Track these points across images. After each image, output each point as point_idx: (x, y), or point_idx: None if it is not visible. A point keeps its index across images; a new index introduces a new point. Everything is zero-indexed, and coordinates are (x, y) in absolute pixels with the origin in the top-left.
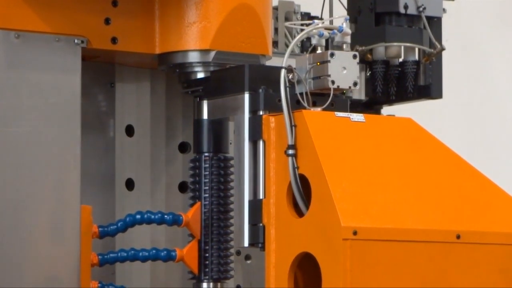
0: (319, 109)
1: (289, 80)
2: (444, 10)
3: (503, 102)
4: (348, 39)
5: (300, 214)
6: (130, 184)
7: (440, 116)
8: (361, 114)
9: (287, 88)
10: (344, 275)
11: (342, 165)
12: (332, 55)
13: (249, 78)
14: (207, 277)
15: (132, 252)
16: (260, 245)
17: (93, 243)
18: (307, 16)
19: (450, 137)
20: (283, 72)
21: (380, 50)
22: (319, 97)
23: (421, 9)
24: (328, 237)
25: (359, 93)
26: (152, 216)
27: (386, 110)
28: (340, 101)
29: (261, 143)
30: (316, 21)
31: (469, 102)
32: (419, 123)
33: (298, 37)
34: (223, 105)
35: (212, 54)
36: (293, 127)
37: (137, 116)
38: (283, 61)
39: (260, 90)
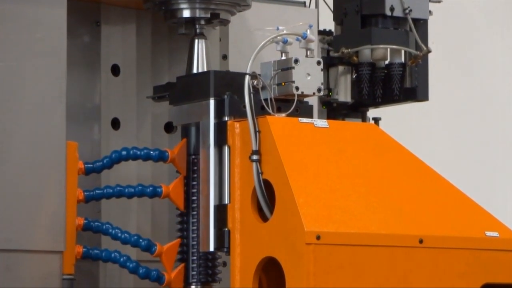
0: (283, 115)
1: (253, 86)
2: (430, 12)
3: (490, 103)
4: (312, 45)
5: (264, 218)
6: (116, 124)
7: (426, 118)
8: (325, 120)
9: (252, 94)
10: (307, 279)
11: (305, 171)
12: (296, 61)
13: (214, 84)
14: (194, 280)
15: (118, 188)
16: (225, 249)
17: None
18: None
19: (437, 139)
20: (247, 78)
21: (366, 52)
22: (284, 103)
23: (407, 11)
24: (291, 241)
25: (345, 96)
26: (138, 152)
27: (372, 112)
28: (304, 107)
29: (226, 148)
30: (280, 27)
31: (455, 104)
32: (406, 125)
33: (262, 44)
34: (189, 110)
35: None
36: (258, 133)
37: (123, 56)
38: (248, 68)
39: (226, 96)
